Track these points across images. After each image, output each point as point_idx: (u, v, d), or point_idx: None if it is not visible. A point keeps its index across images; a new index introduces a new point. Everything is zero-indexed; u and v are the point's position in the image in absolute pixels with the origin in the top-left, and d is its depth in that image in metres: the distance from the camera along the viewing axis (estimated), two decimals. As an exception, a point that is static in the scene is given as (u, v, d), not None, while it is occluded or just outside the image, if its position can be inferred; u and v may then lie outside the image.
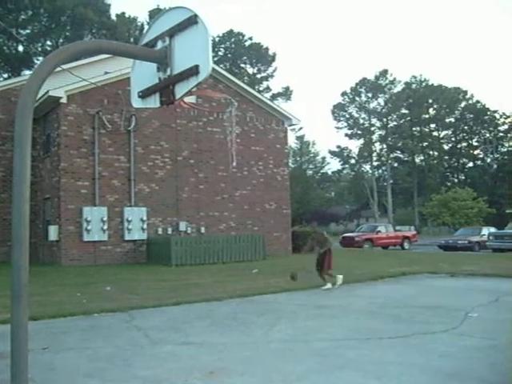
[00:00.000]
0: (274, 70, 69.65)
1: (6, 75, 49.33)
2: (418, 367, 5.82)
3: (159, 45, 4.02)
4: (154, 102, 4.12)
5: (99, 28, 53.67)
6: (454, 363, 6.03)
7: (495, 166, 74.21)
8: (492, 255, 24.53)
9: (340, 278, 13.05)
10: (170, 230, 21.42)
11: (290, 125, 26.56)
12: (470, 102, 76.98)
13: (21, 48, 51.55)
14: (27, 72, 46.46)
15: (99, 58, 22.31)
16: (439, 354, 6.42)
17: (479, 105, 75.96)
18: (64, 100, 19.51)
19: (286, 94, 70.84)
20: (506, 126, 74.43)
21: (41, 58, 50.66)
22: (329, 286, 12.70)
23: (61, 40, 52.52)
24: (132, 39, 54.46)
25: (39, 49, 51.05)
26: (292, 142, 77.52)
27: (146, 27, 59.50)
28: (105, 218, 19.89)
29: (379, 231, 33.75)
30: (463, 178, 77.43)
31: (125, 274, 16.27)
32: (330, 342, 7.07)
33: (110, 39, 43.13)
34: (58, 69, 3.87)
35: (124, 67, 18.90)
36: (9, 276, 3.54)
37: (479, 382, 5.36)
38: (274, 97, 66.79)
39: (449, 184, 70.46)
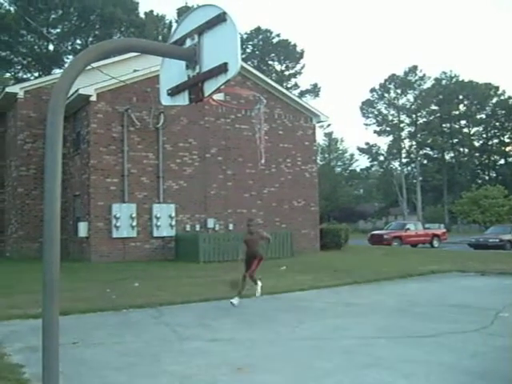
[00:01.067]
0: (302, 67, 69.44)
1: (36, 74, 50.07)
2: (447, 366, 5.76)
3: (188, 43, 4.04)
4: (182, 99, 4.14)
5: (128, 26, 54.12)
6: (484, 363, 5.95)
7: (527, 163, 72.90)
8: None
9: (259, 286, 10.42)
10: (198, 227, 21.53)
11: (319, 122, 26.45)
12: (502, 97, 75.70)
13: (51, 47, 52.30)
14: (57, 71, 47.09)
15: (128, 56, 22.51)
16: (469, 353, 6.35)
17: (511, 101, 74.68)
18: (94, 98, 19.73)
19: (314, 90, 70.59)
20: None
21: (71, 57, 51.36)
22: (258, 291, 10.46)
23: (90, 39, 53.12)
24: (160, 37, 54.80)
25: (69, 48, 51.71)
26: (320, 139, 77.24)
27: (174, 25, 59.80)
28: (134, 215, 20.07)
29: (408, 229, 33.44)
30: (494, 175, 76.23)
31: (153, 271, 16.41)
32: (358, 340, 7.04)
33: (138, 37, 43.51)
34: (88, 67, 3.92)
35: (153, 65, 19.04)
36: (40, 272, 3.60)
37: (509, 382, 5.28)
38: (302, 94, 66.59)
39: (479, 181, 69.51)
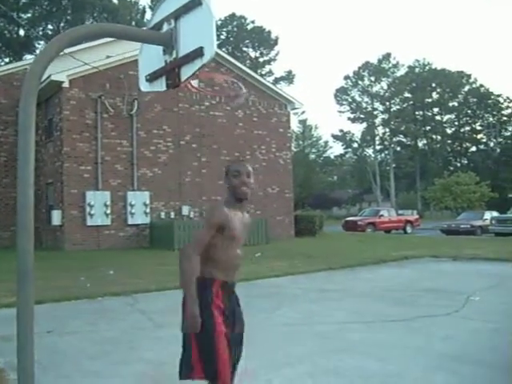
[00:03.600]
0: (277, 54, 69.32)
1: (7, 59, 49.16)
2: (420, 350, 5.86)
3: (165, 27, 4.01)
4: (160, 85, 4.12)
5: (100, 11, 53.35)
6: (456, 346, 6.06)
7: (498, 151, 73.95)
8: (494, 239, 24.57)
9: None
10: (172, 215, 21.46)
11: (293, 109, 26.48)
12: (474, 85, 76.59)
13: (22, 32, 51.40)
14: (29, 56, 46.29)
15: (101, 42, 22.22)
16: (441, 337, 6.46)
17: (483, 89, 75.54)
18: (66, 84, 19.46)
19: (289, 77, 70.56)
20: (509, 110, 74.09)
21: (42, 43, 50.53)
22: None
23: (62, 24, 52.27)
24: (134, 23, 54.15)
25: (40, 33, 50.81)
26: (295, 126, 77.34)
27: (148, 11, 59.14)
28: (108, 203, 19.93)
29: (382, 215, 33.78)
30: (466, 162, 77.23)
31: (128, 258, 16.34)
32: (332, 325, 7.11)
33: (111, 23, 42.90)
34: (61, 53, 3.86)
35: (126, 51, 18.84)
36: (13, 260, 3.56)
37: (481, 364, 5.39)
38: (276, 81, 66.48)
39: (451, 168, 70.33)
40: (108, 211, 19.91)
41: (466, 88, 76.94)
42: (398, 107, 75.60)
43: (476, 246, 19.62)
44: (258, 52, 68.96)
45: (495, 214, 31.16)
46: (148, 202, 20.87)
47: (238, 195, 3.28)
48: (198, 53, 3.67)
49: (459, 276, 12.19)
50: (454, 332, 6.71)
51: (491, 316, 7.70)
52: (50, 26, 53.07)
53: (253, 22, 68.06)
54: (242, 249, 3.41)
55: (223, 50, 44.67)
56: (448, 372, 5.15)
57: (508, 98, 73.77)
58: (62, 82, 19.30)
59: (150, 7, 58.35)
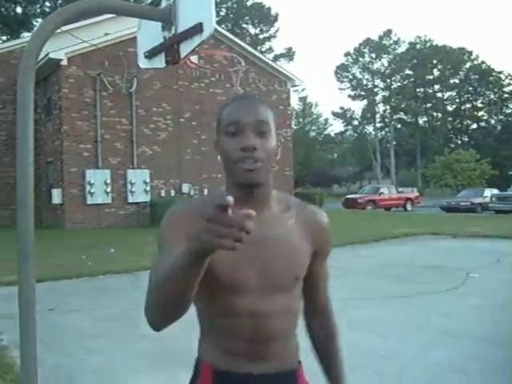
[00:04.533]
0: (277, 31, 68.65)
1: (4, 37, 48.76)
2: (420, 326, 5.90)
3: (164, 3, 3.97)
4: (159, 61, 4.08)
5: (99, -12, 52.74)
6: (455, 322, 6.11)
7: (499, 128, 73.65)
8: (494, 217, 24.59)
9: None
10: (172, 193, 21.47)
11: (293, 86, 26.34)
12: (475, 62, 76.02)
13: (19, 9, 50.84)
14: (26, 34, 45.88)
15: (99, 19, 22.02)
16: (440, 313, 6.50)
17: (484, 66, 74.99)
18: (64, 62, 19.32)
19: (289, 54, 70.04)
20: (511, 87, 73.65)
21: (40, 20, 50.01)
22: None
23: (59, 1, 51.71)
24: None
25: (38, 10, 50.31)
26: (295, 103, 76.99)
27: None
28: (108, 181, 19.92)
29: (382, 193, 33.77)
30: (467, 139, 76.98)
31: (128, 237, 16.38)
32: (333, 302, 7.15)
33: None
34: (58, 30, 3.82)
35: (125, 28, 18.67)
36: (13, 239, 3.56)
37: (478, 340, 5.44)
38: (276, 58, 65.99)
39: (452, 146, 70.10)
40: (108, 189, 19.91)
41: (468, 65, 76.40)
42: (398, 84, 75.16)
43: (476, 223, 19.66)
44: (258, 29, 68.33)
45: (495, 191, 31.12)
46: (148, 180, 20.85)
47: (236, 178, 1.46)
48: (198, 29, 3.63)
49: (459, 253, 12.23)
50: (454, 308, 6.75)
51: (490, 293, 7.75)
52: (47, 3, 52.47)
53: (252, -3, 67.43)
54: (266, 298, 1.49)
55: (223, 26, 44.29)
56: (447, 347, 5.19)
57: (510, 74, 73.28)
58: (61, 60, 19.16)
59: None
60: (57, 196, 19.41)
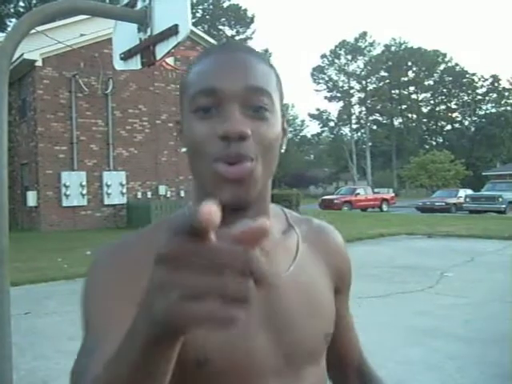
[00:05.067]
0: (253, 32, 69.00)
1: (-22, 37, 48.11)
2: (395, 325, 5.97)
3: (139, 4, 3.97)
4: (135, 63, 4.09)
5: (73, -12, 52.31)
6: (430, 321, 6.19)
7: (473, 129, 74.65)
8: (468, 217, 24.91)
9: None
10: (149, 194, 21.37)
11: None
12: (449, 64, 77.00)
13: (-8, 9, 50.20)
14: (0, 34, 45.30)
15: (75, 19, 21.83)
16: (415, 312, 6.59)
17: (458, 68, 76.02)
18: (39, 63, 19.13)
19: (266, 56, 70.12)
20: (484, 89, 74.75)
21: (14, 20, 49.40)
22: None
23: (34, 1, 51.17)
24: (108, 0, 53.27)
25: (12, 10, 49.70)
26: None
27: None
28: (84, 183, 19.76)
29: (358, 193, 34.00)
30: (441, 140, 77.87)
31: (105, 239, 16.24)
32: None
33: None
34: (33, 31, 3.81)
35: (101, 29, 18.55)
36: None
37: (453, 338, 5.52)
38: (252, 59, 65.99)
39: (427, 147, 70.91)
40: (84, 192, 19.75)
41: (442, 67, 77.34)
42: (374, 86, 75.80)
43: (450, 223, 19.90)
44: (235, 30, 68.41)
45: (469, 191, 31.57)
46: (124, 182, 20.73)
47: (211, 192, 0.84)
48: (173, 30, 3.65)
49: (434, 253, 12.38)
50: (429, 307, 6.84)
51: (464, 291, 7.86)
52: (21, 3, 51.85)
53: (229, -1, 67.50)
54: (289, 380, 0.90)
55: (199, 28, 44.23)
56: (422, 346, 5.26)
57: (482, 76, 74.41)
58: (35, 61, 18.97)
59: (124, -16, 57.37)
60: (32, 198, 19.20)
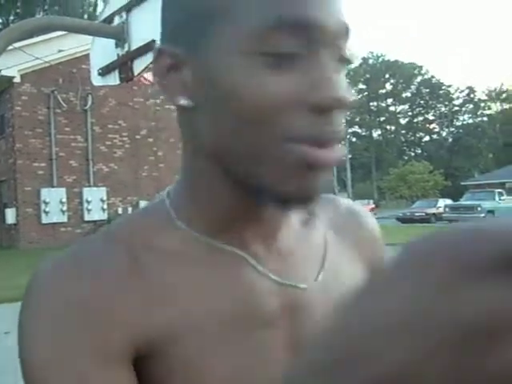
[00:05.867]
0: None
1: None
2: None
3: (116, 20, 3.99)
4: (113, 79, 4.10)
5: (51, 4, 52.23)
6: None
7: (450, 140, 75.55)
8: (448, 226, 25.08)
9: None
10: (130, 210, 21.26)
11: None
12: (426, 76, 78.00)
13: (-31, 26, 49.91)
14: (-23, 51, 44.93)
15: (53, 35, 21.71)
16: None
17: (434, 79, 77.07)
18: (17, 79, 19.02)
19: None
20: (460, 100, 75.81)
21: (-9, 37, 49.05)
22: None
23: (11, 17, 50.94)
24: (86, 16, 53.23)
25: (-11, 27, 49.41)
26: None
27: (99, 3, 58.18)
28: (63, 200, 19.61)
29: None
30: (420, 151, 78.65)
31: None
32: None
33: (62, 15, 42.02)
34: (11, 47, 3.81)
35: (79, 45, 18.52)
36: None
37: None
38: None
39: (406, 158, 71.61)
40: (64, 208, 19.60)
41: (419, 79, 78.30)
42: (352, 98, 76.36)
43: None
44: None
45: (448, 201, 31.89)
46: (105, 197, 20.62)
47: (272, 177, 0.53)
48: (151, 46, 3.67)
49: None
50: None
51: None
52: (-2, 20, 51.70)
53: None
54: None
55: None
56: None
57: (458, 88, 75.51)
58: (13, 77, 18.86)
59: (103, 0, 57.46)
60: (11, 216, 18.99)
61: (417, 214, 30.24)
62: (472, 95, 74.81)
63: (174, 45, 0.56)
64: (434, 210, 30.34)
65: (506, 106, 74.83)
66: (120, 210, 21.01)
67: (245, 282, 0.59)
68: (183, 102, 0.57)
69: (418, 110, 79.36)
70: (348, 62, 0.56)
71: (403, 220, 30.18)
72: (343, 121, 0.56)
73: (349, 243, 0.73)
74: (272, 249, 0.62)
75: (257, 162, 0.53)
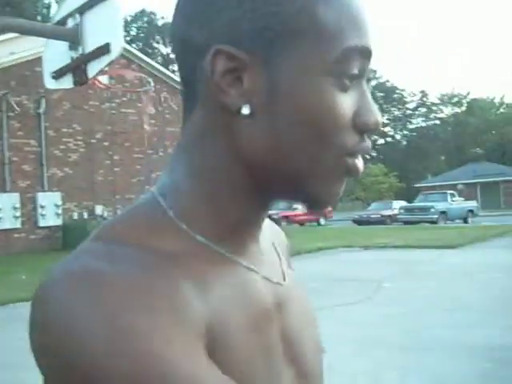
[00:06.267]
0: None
1: None
2: (336, 337, 6.04)
3: (70, 23, 3.92)
4: (67, 82, 4.02)
5: (3, 5, 51.10)
6: (369, 331, 6.30)
7: (405, 143, 77.00)
8: (403, 228, 25.57)
9: None
10: (85, 215, 20.93)
11: (206, 105, 26.41)
12: (380, 80, 79.35)
13: None
14: None
15: (5, 37, 21.26)
16: (355, 323, 6.69)
17: (388, 84, 78.42)
18: (-33, 82, 18.55)
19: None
20: (414, 104, 77.33)
21: None
22: None
23: (-40, 19, 49.65)
24: (40, 17, 52.24)
25: None
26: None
27: (53, 5, 57.18)
28: (17, 205, 19.15)
29: (296, 208, 34.29)
30: (375, 154, 79.91)
31: (40, 262, 15.77)
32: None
33: (15, 17, 41.12)
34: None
35: (32, 47, 18.17)
36: None
37: (393, 347, 5.64)
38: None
39: (362, 161, 72.54)
40: (17, 214, 19.15)
41: (374, 83, 79.55)
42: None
43: (386, 234, 20.37)
44: (170, 48, 68.30)
45: (403, 203, 32.48)
46: (60, 202, 20.24)
47: (322, 182, 0.60)
48: (105, 49, 3.62)
49: (371, 264, 12.63)
50: (368, 318, 6.96)
51: (401, 301, 8.05)
52: None
53: (163, 17, 67.41)
54: None
55: (134, 46, 43.99)
56: (364, 357, 5.35)
57: (412, 92, 77.10)
58: (-37, 80, 18.38)
59: (56, 1, 56.48)
60: (-39, 222, 18.48)
61: (373, 216, 30.69)
62: (425, 99, 76.41)
63: (236, 47, 0.56)
64: (389, 212, 30.85)
65: (458, 110, 76.74)
66: (75, 215, 20.67)
67: (249, 281, 0.62)
68: (244, 109, 0.57)
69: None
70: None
71: (360, 222, 30.57)
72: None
73: (281, 251, 0.81)
74: (258, 248, 0.66)
75: (313, 173, 0.58)
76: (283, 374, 0.63)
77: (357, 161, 0.60)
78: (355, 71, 0.57)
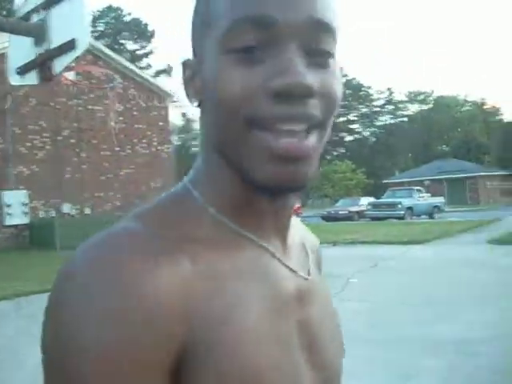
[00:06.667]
0: (154, 47, 68.46)
1: None
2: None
3: (34, 18, 3.87)
4: (32, 78, 3.97)
5: (-36, 0, 49.98)
6: (338, 326, 6.38)
7: (373, 139, 77.78)
8: (370, 223, 25.83)
9: None
10: (53, 213, 20.66)
11: (172, 102, 26.34)
12: (347, 78, 79.99)
13: None
14: None
15: (-34, 32, 20.89)
16: (324, 318, 6.76)
17: (355, 81, 79.08)
18: None
19: (169, 71, 69.91)
20: (381, 101, 78.17)
21: None
22: None
23: None
24: (4, 12, 51.24)
25: None
26: (178, 119, 76.72)
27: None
28: (-19, 204, 18.84)
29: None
30: (343, 151, 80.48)
31: (6, 261, 15.56)
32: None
33: (-23, 13, 40.29)
34: None
35: (-5, 43, 17.83)
36: None
37: (360, 342, 5.72)
38: (157, 74, 65.55)
39: (329, 157, 73.08)
40: (-19, 212, 18.83)
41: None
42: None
43: (354, 230, 20.56)
44: (138, 45, 67.72)
45: (371, 199, 32.77)
46: (26, 201, 19.93)
47: (253, 172, 0.59)
48: (71, 45, 3.58)
49: (339, 260, 12.72)
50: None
51: (369, 296, 8.15)
52: None
53: (130, 13, 66.76)
54: None
55: (101, 42, 43.47)
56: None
57: (379, 90, 77.86)
58: None
59: (20, -3, 55.31)
60: None
61: (341, 213, 30.90)
62: (392, 96, 77.30)
63: (194, 56, 0.67)
64: (356, 208, 31.09)
65: (425, 107, 77.81)
66: (42, 214, 20.38)
67: (271, 267, 0.65)
68: (195, 103, 0.65)
69: (340, 110, 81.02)
70: (325, 53, 0.62)
71: (328, 218, 30.75)
72: (316, 109, 0.60)
73: (316, 263, 0.88)
74: (283, 242, 0.69)
75: (235, 150, 0.60)
76: (299, 363, 0.64)
77: (277, 137, 0.57)
78: (250, 43, 0.57)
